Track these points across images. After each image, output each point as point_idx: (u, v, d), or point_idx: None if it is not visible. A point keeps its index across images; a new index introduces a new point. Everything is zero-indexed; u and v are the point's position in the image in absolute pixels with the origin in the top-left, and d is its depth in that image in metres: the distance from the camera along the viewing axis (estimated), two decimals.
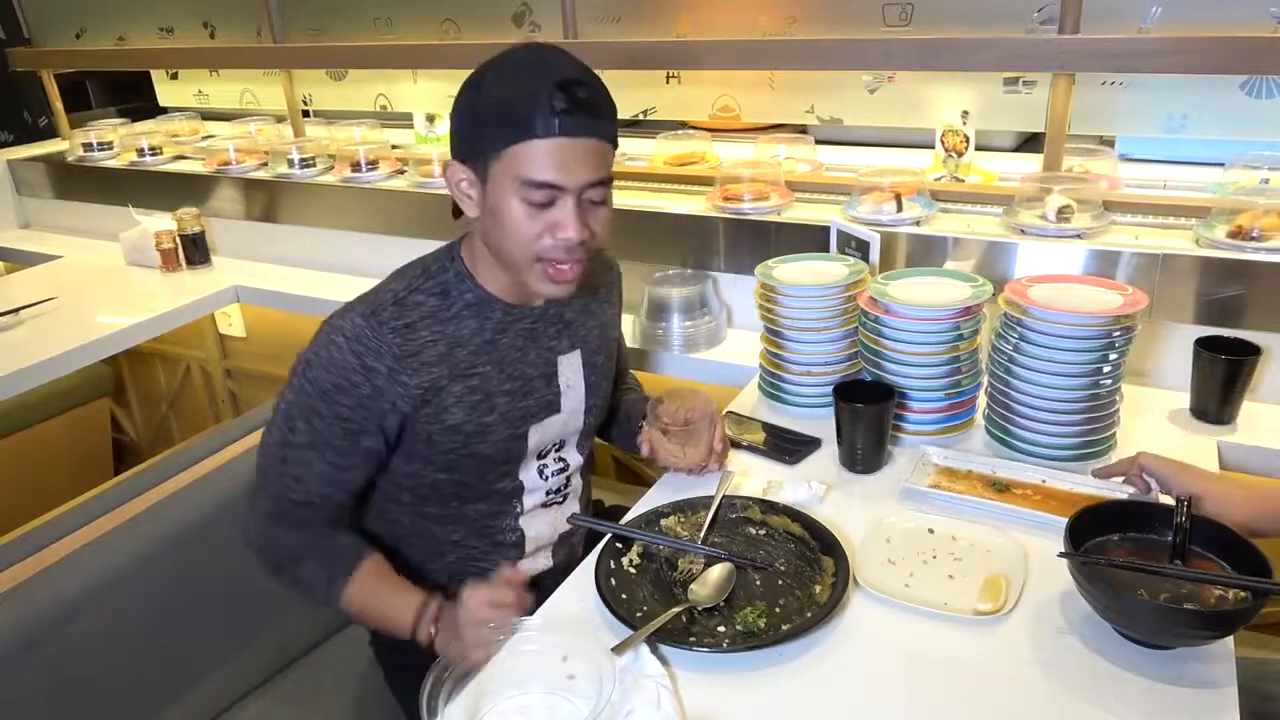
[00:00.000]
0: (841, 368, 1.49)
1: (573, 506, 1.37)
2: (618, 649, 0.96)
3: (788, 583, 1.10)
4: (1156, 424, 1.42)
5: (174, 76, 3.13)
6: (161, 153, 2.75)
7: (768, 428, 1.45)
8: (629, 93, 2.24)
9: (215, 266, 2.47)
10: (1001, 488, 1.26)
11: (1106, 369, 1.28)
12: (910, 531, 1.17)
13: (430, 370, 1.15)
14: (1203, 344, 1.40)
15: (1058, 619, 1.02)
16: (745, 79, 2.09)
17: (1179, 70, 1.56)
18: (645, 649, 0.98)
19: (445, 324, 1.17)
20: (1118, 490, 1.22)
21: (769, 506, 1.22)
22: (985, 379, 1.41)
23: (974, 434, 1.42)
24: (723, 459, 1.34)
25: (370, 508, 1.30)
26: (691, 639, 1.00)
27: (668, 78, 2.17)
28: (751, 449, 1.40)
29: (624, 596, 1.08)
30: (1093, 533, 1.04)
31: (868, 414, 1.30)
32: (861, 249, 1.62)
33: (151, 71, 3.17)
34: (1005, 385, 1.34)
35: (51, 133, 3.15)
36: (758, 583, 1.10)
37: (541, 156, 1.05)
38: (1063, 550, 1.00)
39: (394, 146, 2.48)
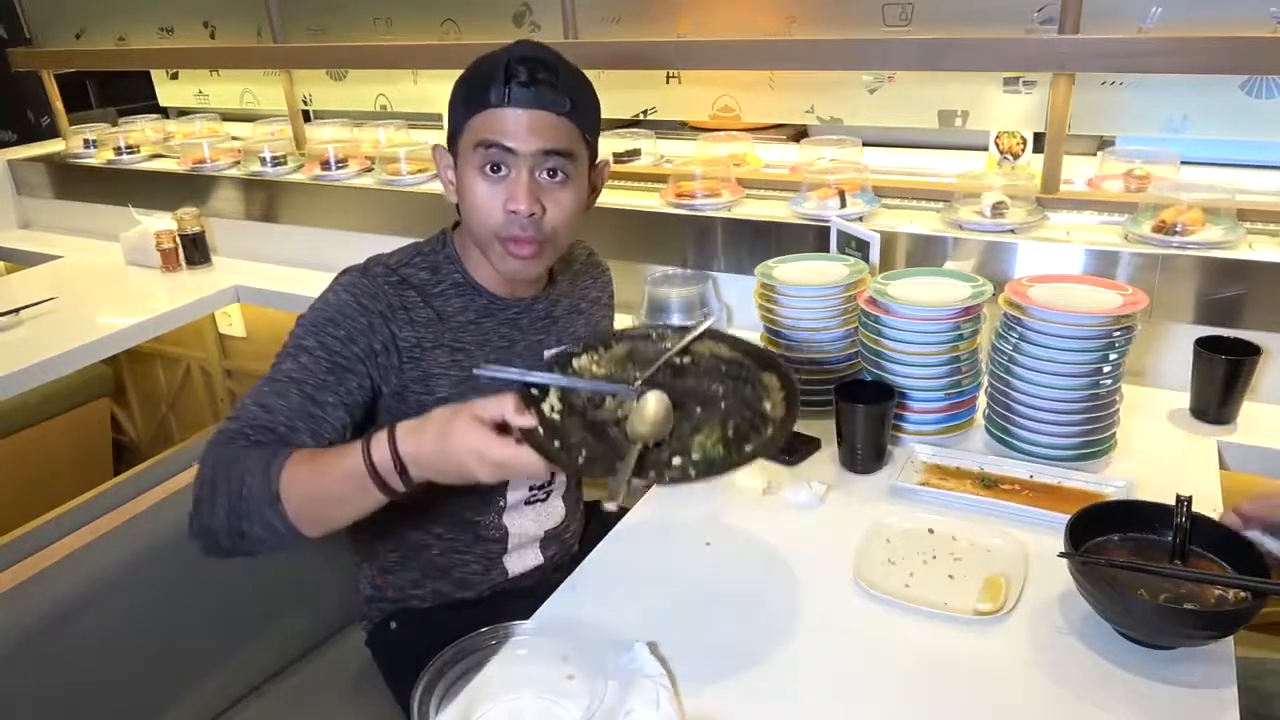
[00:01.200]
0: (842, 368, 1.49)
1: (556, 504, 1.36)
2: (609, 497, 0.88)
3: (732, 404, 1.02)
4: (1156, 424, 1.42)
5: (174, 76, 3.13)
6: (138, 151, 2.77)
7: None
8: (629, 93, 2.24)
9: (215, 266, 2.47)
10: (990, 483, 1.27)
11: (1107, 369, 1.28)
12: (910, 532, 1.18)
13: (419, 329, 1.17)
14: (1203, 344, 1.40)
15: (1057, 619, 1.02)
16: (745, 79, 2.09)
17: (1179, 70, 1.56)
18: (644, 649, 0.98)
19: (434, 297, 1.20)
20: (1107, 484, 1.22)
21: (686, 330, 1.11)
22: (985, 379, 1.41)
23: (974, 434, 1.42)
24: None
25: None
26: (653, 473, 0.93)
27: (668, 78, 2.17)
28: None
29: (557, 444, 0.95)
30: (1093, 532, 1.04)
31: (868, 414, 1.30)
32: (861, 249, 1.62)
33: (151, 71, 3.17)
34: (1005, 385, 1.34)
35: (54, 132, 3.16)
36: (699, 410, 1.01)
37: (494, 121, 1.10)
38: (1062, 550, 0.99)
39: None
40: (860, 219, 1.75)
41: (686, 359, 1.09)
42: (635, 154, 2.21)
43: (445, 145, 1.20)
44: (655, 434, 0.95)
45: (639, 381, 1.03)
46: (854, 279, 1.48)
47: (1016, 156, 1.90)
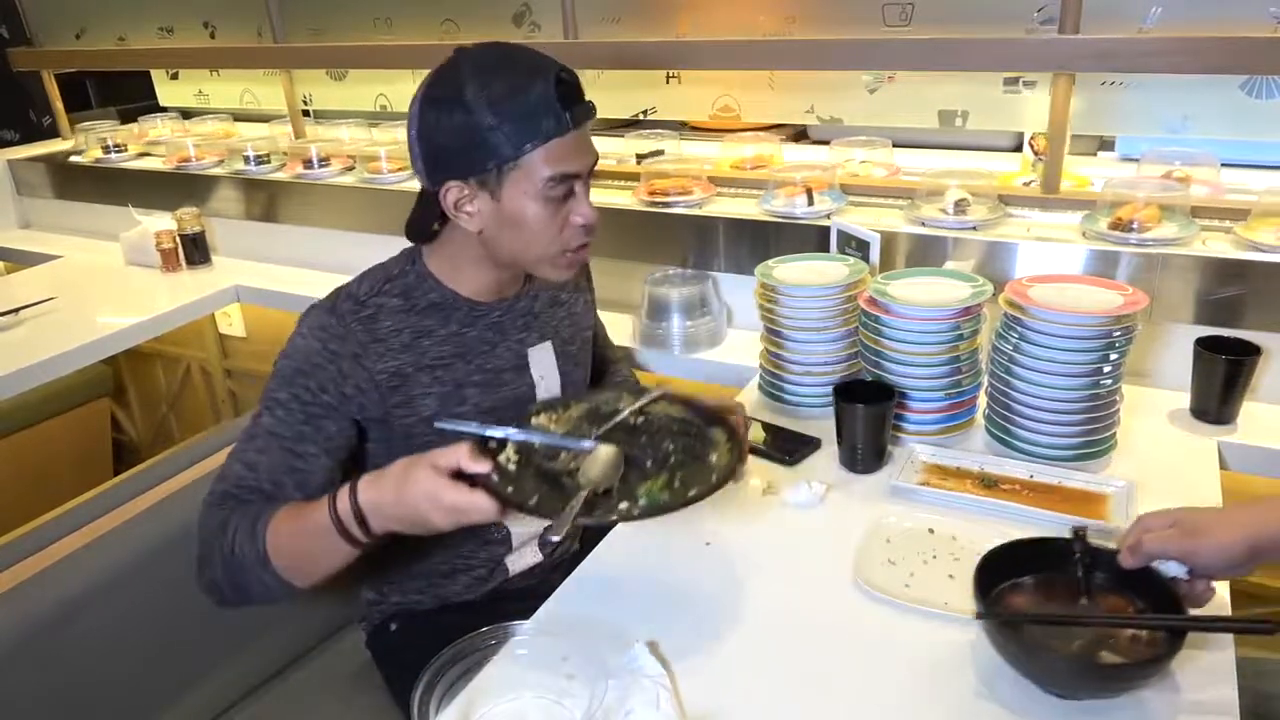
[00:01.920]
0: (841, 368, 1.49)
1: None
2: (550, 530, 0.93)
3: (681, 458, 1.07)
4: (1157, 424, 1.42)
5: (174, 76, 3.13)
6: (126, 149, 2.79)
7: (768, 428, 1.45)
8: (629, 93, 2.24)
9: (215, 266, 2.47)
10: (990, 483, 1.27)
11: (1107, 369, 1.28)
12: (910, 531, 1.18)
13: (396, 357, 1.16)
14: (1203, 344, 1.40)
15: None
16: (745, 79, 2.09)
17: (1179, 70, 1.56)
18: (644, 648, 0.98)
19: (409, 316, 1.19)
20: (1107, 484, 1.22)
21: (644, 392, 1.17)
22: (985, 379, 1.41)
23: (974, 434, 1.42)
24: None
25: None
26: (598, 512, 0.97)
27: (668, 78, 2.17)
28: (751, 449, 1.39)
29: (510, 490, 0.99)
30: (1004, 576, 0.99)
31: (868, 414, 1.30)
32: (862, 249, 1.62)
33: (151, 71, 3.17)
34: (1005, 385, 1.34)
35: (56, 132, 3.16)
36: (649, 464, 1.06)
37: (564, 150, 1.09)
38: (976, 611, 0.93)
39: None
40: (828, 216, 1.77)
41: (641, 419, 1.14)
42: (659, 154, 2.19)
43: (449, 177, 1.11)
44: (605, 480, 1.01)
45: (595, 436, 1.09)
46: (854, 279, 1.48)
47: None
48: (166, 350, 2.94)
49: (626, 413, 1.14)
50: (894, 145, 2.01)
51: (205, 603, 1.33)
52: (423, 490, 0.96)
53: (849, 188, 1.89)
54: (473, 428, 1.07)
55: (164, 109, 3.21)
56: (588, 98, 1.13)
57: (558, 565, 1.37)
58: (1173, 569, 0.92)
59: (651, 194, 1.94)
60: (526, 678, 0.96)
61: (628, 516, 0.98)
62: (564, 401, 1.20)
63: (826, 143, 2.05)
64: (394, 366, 1.16)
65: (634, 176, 2.05)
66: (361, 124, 2.62)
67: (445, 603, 1.33)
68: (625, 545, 1.21)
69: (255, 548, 1.05)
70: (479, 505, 0.94)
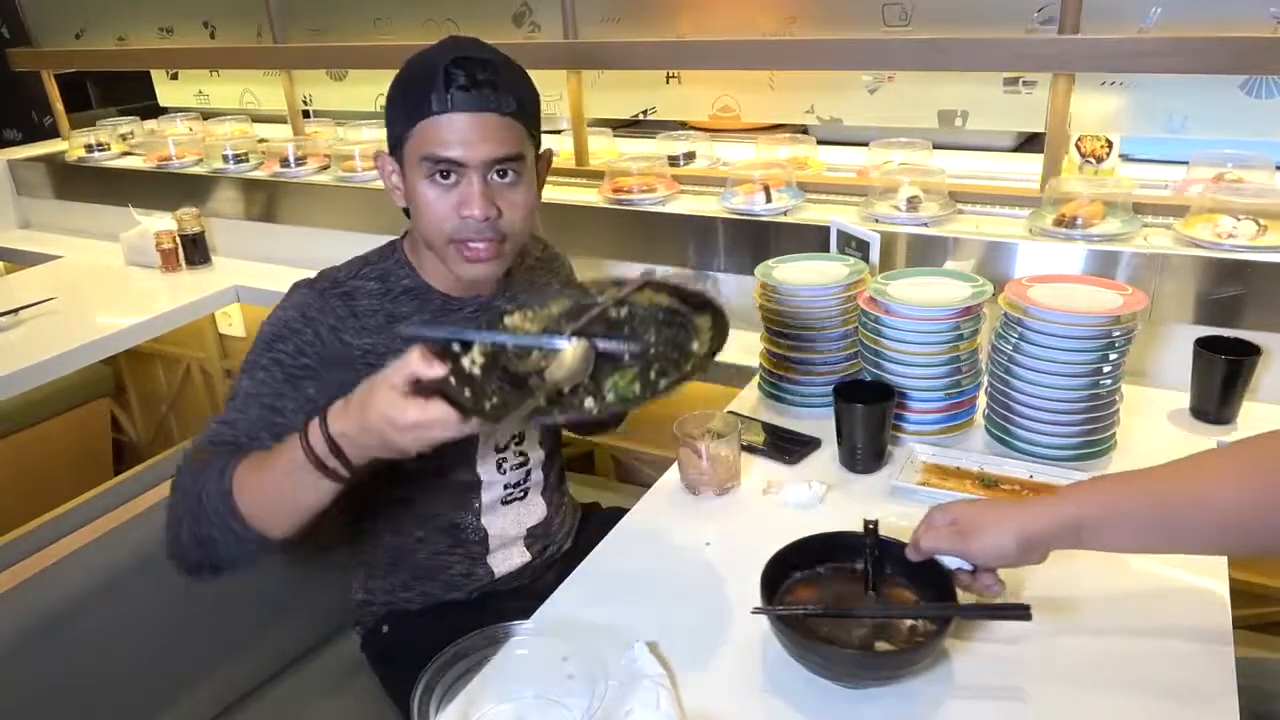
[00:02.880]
0: (841, 368, 1.49)
1: (535, 501, 1.36)
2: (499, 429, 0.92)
3: (660, 349, 1.00)
4: (1157, 424, 1.42)
5: (174, 77, 3.13)
6: (109, 149, 2.81)
7: (768, 428, 1.45)
8: (629, 93, 2.24)
9: (215, 266, 2.47)
10: (990, 483, 1.27)
11: (1107, 369, 1.28)
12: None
13: (371, 335, 1.16)
14: (1203, 344, 1.40)
15: (1074, 613, 1.02)
16: (745, 79, 2.09)
17: (1179, 70, 1.56)
18: (644, 648, 0.98)
19: (385, 301, 1.19)
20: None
21: (626, 283, 1.09)
22: (985, 379, 1.41)
23: (974, 434, 1.42)
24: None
25: (342, 515, 1.30)
26: (557, 410, 0.93)
27: (668, 78, 2.17)
28: (751, 449, 1.39)
29: (467, 393, 0.92)
30: (795, 566, 1.02)
31: (868, 414, 1.30)
32: (861, 249, 1.62)
33: (152, 71, 3.17)
34: (1005, 385, 1.34)
35: (58, 132, 3.16)
36: (626, 358, 0.99)
37: (440, 131, 1.07)
38: (756, 606, 0.95)
39: None
40: (785, 213, 1.83)
41: (624, 311, 1.07)
42: (691, 156, 2.18)
43: (387, 150, 1.16)
44: (572, 379, 0.95)
45: (569, 334, 1.00)
46: (854, 279, 1.48)
47: (1100, 160, 1.85)
48: (166, 350, 2.94)
49: (600, 307, 1.05)
50: (1011, 151, 1.96)
51: (205, 603, 1.34)
52: (380, 413, 0.88)
53: (806, 185, 1.94)
54: (440, 333, 1.00)
55: (164, 109, 3.22)
56: (510, 95, 1.08)
57: (550, 564, 1.37)
58: (954, 561, 0.97)
59: (615, 192, 1.98)
60: (526, 678, 0.96)
61: (593, 412, 0.92)
62: (541, 300, 1.11)
63: (865, 144, 2.03)
64: (369, 344, 1.16)
65: (719, 181, 2.01)
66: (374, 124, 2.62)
67: (434, 602, 1.32)
68: (625, 545, 1.21)
69: (222, 490, 0.99)
70: (435, 416, 0.86)
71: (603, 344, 0.98)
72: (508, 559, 1.34)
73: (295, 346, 1.12)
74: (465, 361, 0.98)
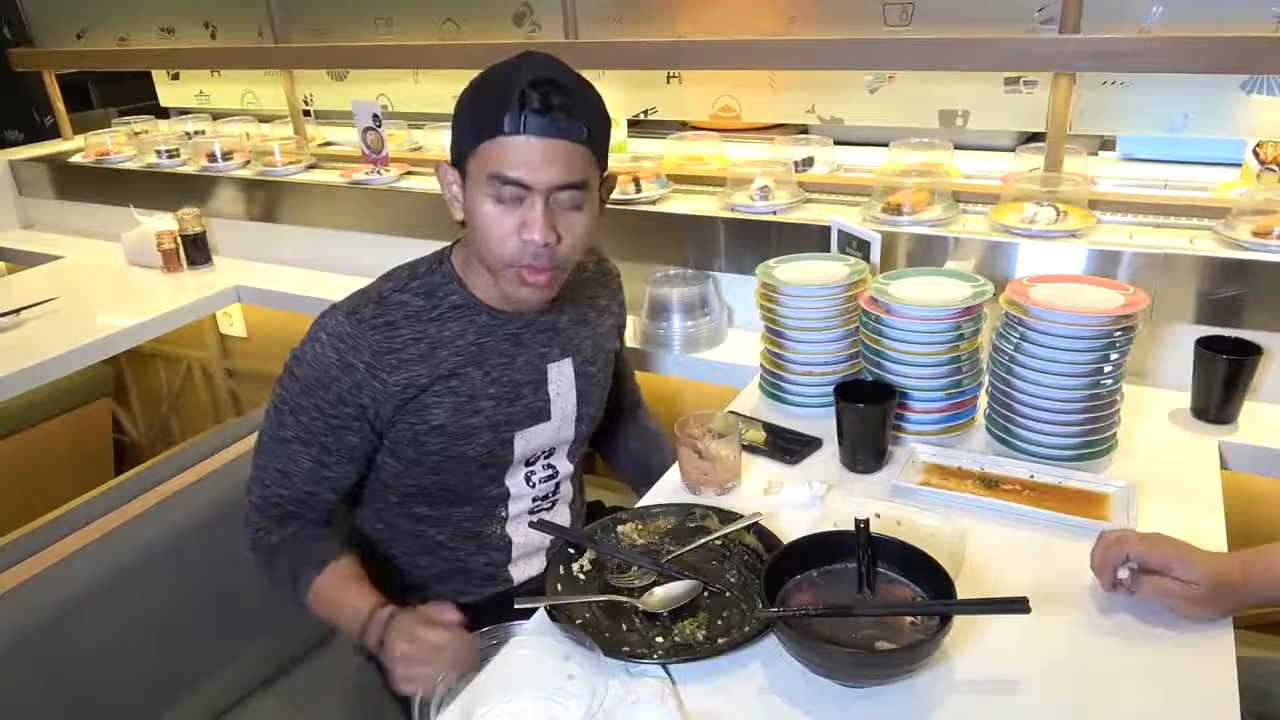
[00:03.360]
0: (842, 368, 1.49)
1: (562, 512, 1.37)
2: (520, 601, 1.04)
3: (735, 595, 1.08)
4: (1157, 424, 1.42)
5: (175, 77, 3.13)
6: (124, 151, 2.83)
7: (768, 428, 1.45)
8: (629, 93, 2.24)
9: (216, 266, 2.47)
10: (990, 484, 1.27)
11: (1108, 369, 1.28)
12: (910, 532, 1.17)
13: (410, 368, 1.16)
14: (1204, 344, 1.40)
15: (1090, 608, 1.02)
16: (746, 79, 2.09)
17: (1179, 70, 1.56)
18: None
19: (428, 324, 1.18)
20: (1107, 485, 1.22)
21: (728, 516, 1.20)
22: (986, 379, 1.41)
23: (975, 434, 1.42)
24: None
25: (363, 505, 1.31)
26: (626, 649, 0.99)
27: (668, 78, 2.17)
28: (752, 449, 1.39)
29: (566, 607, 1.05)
30: (789, 572, 1.03)
31: (869, 414, 1.30)
32: (862, 249, 1.62)
33: (153, 72, 3.17)
34: (1006, 385, 1.34)
35: (59, 132, 3.16)
36: (705, 595, 1.08)
37: (509, 152, 1.06)
38: (758, 609, 0.97)
39: None
40: (654, 201, 1.94)
41: (718, 542, 1.17)
42: (809, 163, 2.08)
43: (450, 161, 1.14)
44: (660, 607, 1.05)
45: (665, 561, 1.13)
46: (854, 279, 1.48)
47: None
48: (167, 350, 2.94)
49: (702, 540, 1.17)
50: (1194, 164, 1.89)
51: (205, 603, 1.35)
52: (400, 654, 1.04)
53: (675, 176, 2.04)
54: (558, 533, 1.21)
55: (164, 110, 3.22)
56: (583, 120, 1.08)
57: None
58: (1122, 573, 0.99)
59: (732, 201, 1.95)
60: (526, 678, 0.96)
61: (645, 658, 0.97)
62: (652, 512, 1.23)
63: (865, 144, 2.05)
64: (407, 379, 1.15)
65: (844, 189, 1.97)
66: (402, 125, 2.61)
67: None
68: None
69: (297, 596, 1.18)
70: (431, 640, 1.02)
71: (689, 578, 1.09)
72: (529, 568, 1.34)
73: (336, 395, 1.15)
74: (575, 566, 1.13)
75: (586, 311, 1.32)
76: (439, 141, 2.50)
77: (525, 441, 1.26)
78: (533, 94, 1.04)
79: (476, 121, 1.07)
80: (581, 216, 1.12)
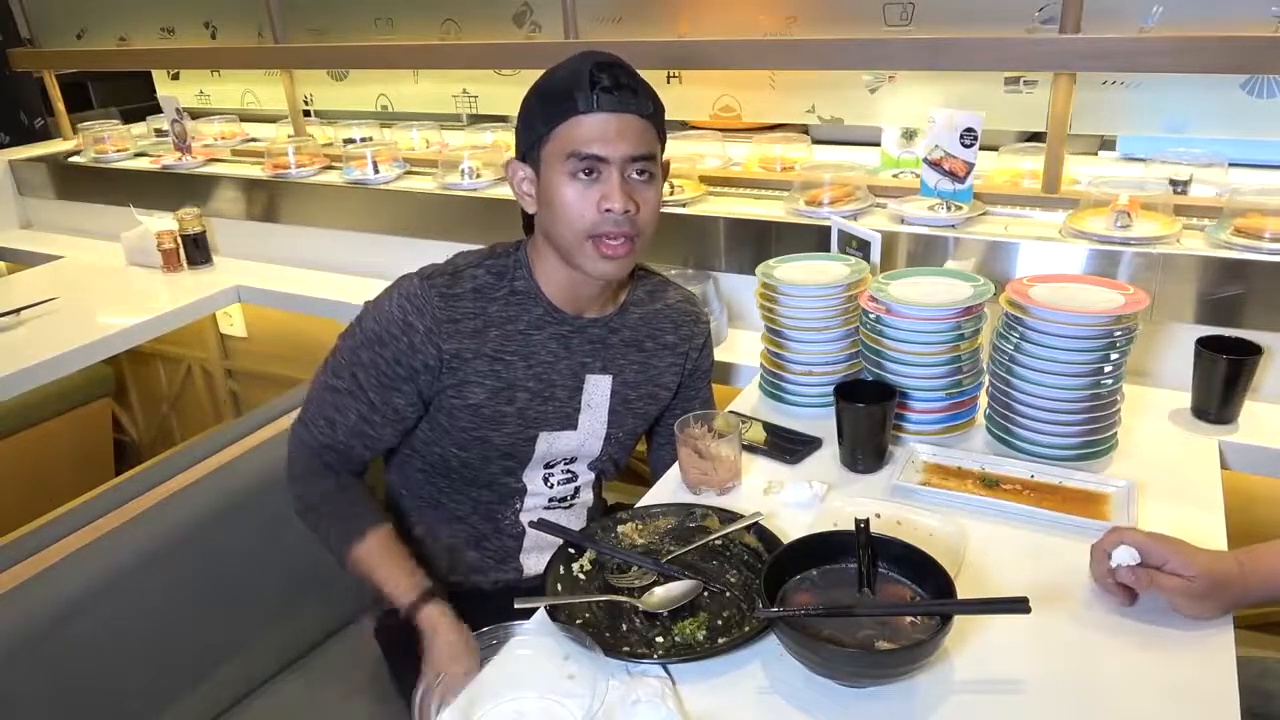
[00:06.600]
0: (842, 367, 1.49)
1: (579, 515, 1.38)
2: (520, 601, 1.04)
3: (735, 595, 1.08)
4: (1158, 424, 1.42)
5: (175, 77, 3.13)
6: (127, 150, 2.85)
7: (768, 427, 1.45)
8: None
9: (216, 266, 2.47)
10: (991, 484, 1.27)
11: (1108, 369, 1.28)
12: (909, 531, 1.17)
13: (462, 340, 1.20)
14: (1204, 343, 1.40)
15: (1083, 609, 1.02)
16: (746, 79, 2.09)
17: (1179, 70, 1.56)
18: None
19: (489, 302, 1.22)
20: (1108, 485, 1.22)
21: (728, 516, 1.20)
22: (986, 379, 1.41)
23: (975, 434, 1.42)
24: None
25: (393, 468, 1.37)
26: (626, 649, 0.99)
27: (668, 78, 2.17)
28: (752, 449, 1.39)
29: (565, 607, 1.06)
30: (789, 572, 1.02)
31: (869, 414, 1.30)
32: (862, 249, 1.62)
33: (153, 72, 3.17)
34: (1006, 385, 1.34)
35: (47, 134, 3.15)
36: (705, 594, 1.08)
37: (584, 130, 1.12)
38: (762, 608, 0.96)
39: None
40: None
41: (718, 541, 1.17)
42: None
43: (517, 158, 1.21)
44: (660, 607, 1.05)
45: (665, 560, 1.14)
46: (855, 279, 1.48)
47: None
48: (168, 350, 2.94)
49: (702, 540, 1.17)
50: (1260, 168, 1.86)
51: (205, 603, 1.34)
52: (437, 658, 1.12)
53: (675, 176, 1.99)
54: (560, 533, 1.20)
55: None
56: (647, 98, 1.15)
57: None
58: (1125, 555, 0.99)
59: (809, 204, 1.91)
60: (526, 678, 0.96)
61: (645, 658, 0.98)
62: (652, 512, 1.23)
63: (866, 144, 2.02)
64: (457, 348, 1.20)
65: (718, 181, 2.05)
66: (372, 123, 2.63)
67: (453, 591, 1.32)
68: None
69: (340, 555, 1.23)
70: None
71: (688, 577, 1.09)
72: (541, 561, 1.34)
73: (394, 354, 1.20)
74: (575, 566, 1.14)
75: (645, 340, 1.33)
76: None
77: (548, 444, 1.28)
78: (601, 75, 1.11)
79: (548, 109, 1.14)
80: (652, 189, 1.18)
